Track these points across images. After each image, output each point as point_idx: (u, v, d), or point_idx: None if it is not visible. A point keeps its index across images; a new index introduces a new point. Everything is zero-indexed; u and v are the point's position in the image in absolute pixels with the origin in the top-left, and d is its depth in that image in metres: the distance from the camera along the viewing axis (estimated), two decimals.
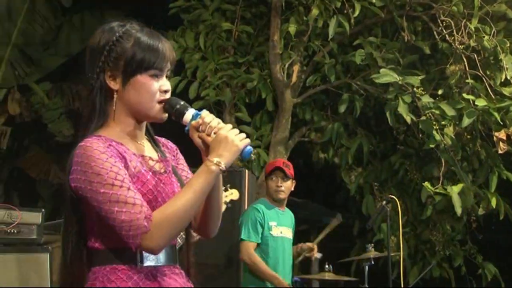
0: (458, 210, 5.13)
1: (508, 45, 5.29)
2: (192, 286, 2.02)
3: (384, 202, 4.63)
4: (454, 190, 5.13)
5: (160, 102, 1.95)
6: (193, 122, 1.93)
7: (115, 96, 1.94)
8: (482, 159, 5.56)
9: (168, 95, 1.97)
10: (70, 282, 1.95)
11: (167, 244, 1.88)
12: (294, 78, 5.93)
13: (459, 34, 5.45)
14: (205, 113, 1.94)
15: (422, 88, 5.34)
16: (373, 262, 4.84)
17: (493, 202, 5.26)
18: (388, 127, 5.75)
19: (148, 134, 2.07)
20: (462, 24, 5.44)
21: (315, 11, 5.45)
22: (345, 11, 5.47)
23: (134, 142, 1.98)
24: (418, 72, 5.70)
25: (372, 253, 4.82)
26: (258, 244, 4.25)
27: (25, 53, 8.42)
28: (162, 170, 1.98)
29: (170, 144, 2.15)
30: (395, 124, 5.51)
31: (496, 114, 5.08)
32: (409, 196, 6.12)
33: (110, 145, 1.88)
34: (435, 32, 5.67)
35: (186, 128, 1.95)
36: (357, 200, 6.46)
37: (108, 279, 1.87)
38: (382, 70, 5.32)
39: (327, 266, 4.67)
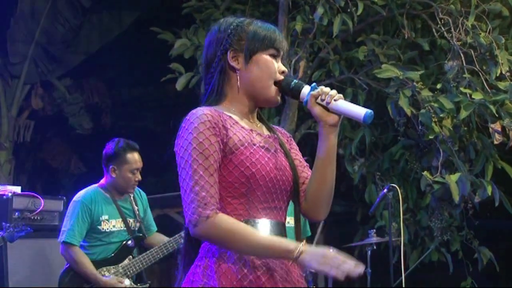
0: (456, 198, 5.11)
1: (503, 41, 5.25)
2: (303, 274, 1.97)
3: (386, 190, 4.63)
4: (452, 179, 5.11)
5: (276, 82, 1.96)
6: (313, 92, 1.93)
7: (237, 74, 1.95)
8: (478, 150, 5.52)
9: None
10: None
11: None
12: (300, 73, 5.91)
13: (457, 31, 5.41)
14: (321, 86, 1.96)
15: (421, 83, 5.31)
16: (375, 247, 4.85)
17: (489, 190, 5.23)
18: (389, 119, 5.72)
19: (260, 119, 2.06)
20: (460, 22, 5.40)
21: (320, 10, 5.42)
22: (349, 10, 5.43)
23: (245, 119, 1.97)
24: (418, 67, 5.67)
25: (374, 238, 4.82)
26: None
27: (47, 51, 8.45)
28: (269, 146, 1.93)
29: (283, 131, 2.13)
30: (396, 116, 5.48)
31: (492, 107, 5.06)
32: (409, 185, 6.08)
33: (219, 115, 1.87)
34: (434, 30, 5.63)
35: (305, 100, 1.94)
36: (360, 188, 6.44)
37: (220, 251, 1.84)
38: (383, 65, 5.30)
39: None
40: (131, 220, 4.18)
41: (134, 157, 4.12)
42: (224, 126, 1.85)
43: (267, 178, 1.86)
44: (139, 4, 8.66)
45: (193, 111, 1.88)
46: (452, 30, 5.41)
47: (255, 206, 1.85)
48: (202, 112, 1.86)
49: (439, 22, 5.52)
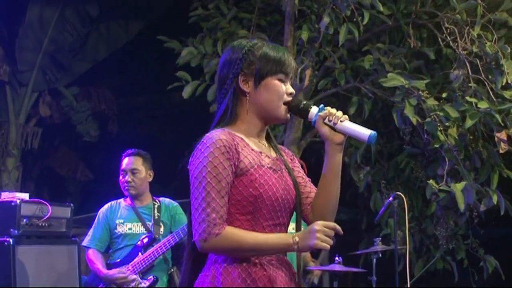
0: (461, 206, 5.08)
1: (509, 51, 5.22)
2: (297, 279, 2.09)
3: (391, 199, 4.61)
4: (457, 188, 5.08)
5: (285, 103, 2.09)
6: (321, 113, 2.06)
7: (247, 97, 2.07)
8: (484, 158, 5.49)
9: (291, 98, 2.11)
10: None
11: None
12: (306, 82, 5.91)
13: (463, 40, 5.40)
14: (328, 107, 2.08)
15: (427, 92, 5.29)
16: (380, 255, 4.83)
17: (494, 199, 5.20)
18: (395, 128, 5.71)
19: (268, 138, 2.19)
20: (465, 31, 5.38)
21: (326, 19, 5.41)
22: (355, 19, 5.42)
23: (255, 140, 2.11)
24: (424, 76, 5.66)
25: (379, 246, 4.80)
26: None
27: (55, 59, 8.49)
28: (276, 168, 2.08)
29: (287, 150, 2.27)
30: (401, 125, 5.46)
31: (497, 116, 5.04)
32: (414, 193, 6.07)
33: (233, 138, 2.00)
34: (439, 39, 5.61)
35: (313, 120, 2.07)
36: (365, 196, 6.42)
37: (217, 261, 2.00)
38: (389, 74, 5.28)
39: (337, 258, 4.65)
40: (150, 224, 4.39)
41: (123, 161, 4.42)
42: (236, 150, 1.99)
43: (273, 198, 2.01)
44: (146, 13, 8.69)
45: (209, 135, 2.00)
46: (458, 39, 5.40)
47: (260, 223, 2.00)
48: (218, 138, 1.98)
49: (445, 32, 5.51)
